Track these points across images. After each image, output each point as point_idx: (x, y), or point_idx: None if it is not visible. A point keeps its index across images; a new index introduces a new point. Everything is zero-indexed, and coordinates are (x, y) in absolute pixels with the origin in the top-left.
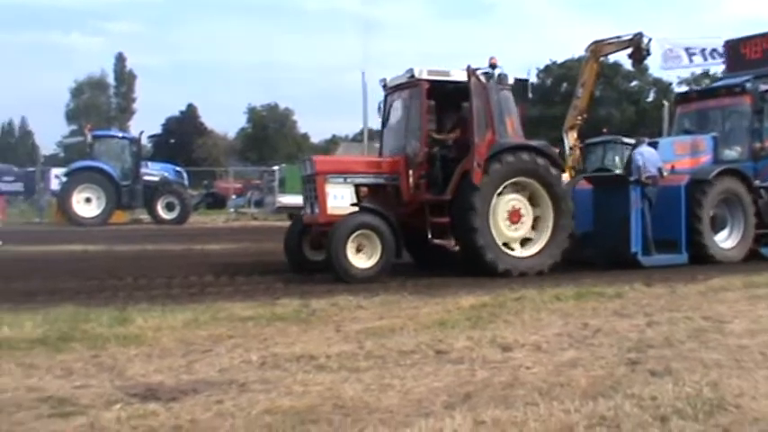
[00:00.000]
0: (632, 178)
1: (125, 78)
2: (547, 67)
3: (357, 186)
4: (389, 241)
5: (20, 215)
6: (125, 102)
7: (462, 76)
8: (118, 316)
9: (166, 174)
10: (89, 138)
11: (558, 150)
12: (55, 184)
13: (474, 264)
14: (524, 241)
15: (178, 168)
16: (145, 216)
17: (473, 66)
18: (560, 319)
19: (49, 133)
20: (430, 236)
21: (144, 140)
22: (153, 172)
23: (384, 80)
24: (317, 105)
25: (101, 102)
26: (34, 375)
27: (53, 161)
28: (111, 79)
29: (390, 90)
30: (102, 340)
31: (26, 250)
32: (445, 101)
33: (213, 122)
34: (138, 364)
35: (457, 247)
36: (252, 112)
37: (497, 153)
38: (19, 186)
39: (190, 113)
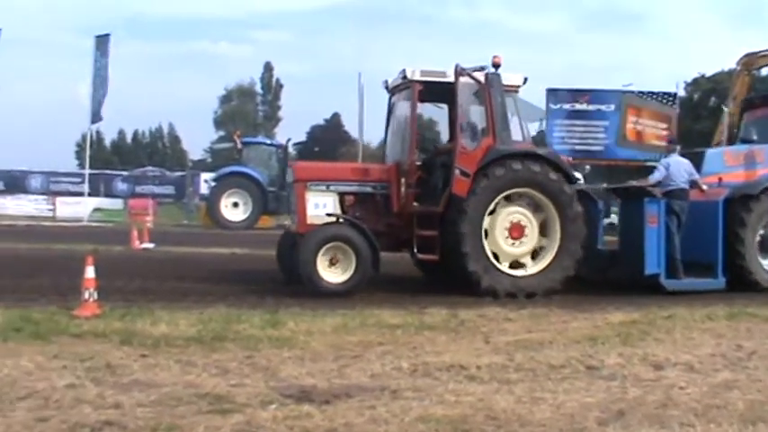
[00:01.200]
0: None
1: (272, 88)
2: (695, 80)
3: (342, 195)
4: (365, 255)
5: (170, 218)
6: (271, 110)
7: (479, 78)
8: (269, 318)
9: None
10: (238, 144)
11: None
12: (204, 189)
13: (462, 283)
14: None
15: None
16: (289, 221)
17: (472, 65)
18: (713, 339)
19: (197, 139)
20: (415, 250)
21: (290, 148)
22: None
23: (386, 81)
24: None
25: (248, 109)
26: (192, 372)
27: (201, 166)
28: (258, 88)
29: (392, 92)
30: (255, 341)
31: (177, 251)
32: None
33: (357, 131)
34: (291, 366)
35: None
36: None
37: (494, 161)
38: (170, 190)
39: (334, 122)
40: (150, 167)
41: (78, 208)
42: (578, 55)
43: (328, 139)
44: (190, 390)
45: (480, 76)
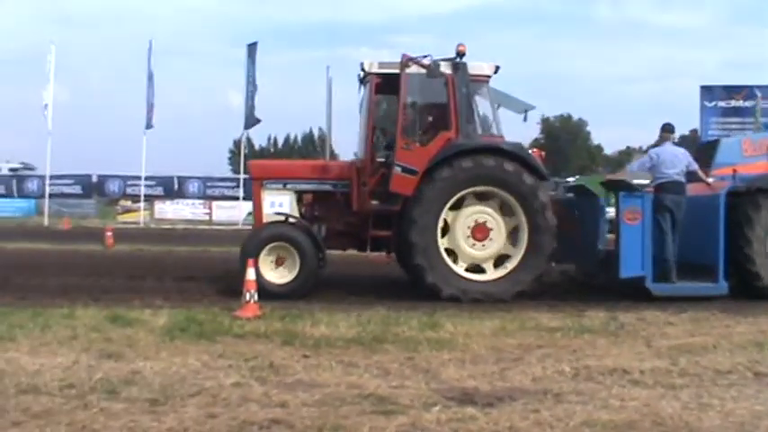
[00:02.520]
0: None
1: None
2: None
3: (300, 193)
4: (309, 255)
5: None
6: None
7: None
8: (428, 321)
9: None
10: None
11: None
12: None
13: (416, 285)
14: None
15: None
16: None
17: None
18: None
19: (346, 141)
20: (369, 249)
21: None
22: None
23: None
24: (610, 115)
25: (392, 111)
26: (353, 373)
27: None
28: None
29: (360, 86)
30: (415, 343)
31: (333, 254)
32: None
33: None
34: (452, 369)
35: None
36: (545, 123)
37: (451, 156)
38: None
39: None
40: None
41: (233, 212)
42: (732, 50)
43: None
44: (353, 390)
45: (455, 66)
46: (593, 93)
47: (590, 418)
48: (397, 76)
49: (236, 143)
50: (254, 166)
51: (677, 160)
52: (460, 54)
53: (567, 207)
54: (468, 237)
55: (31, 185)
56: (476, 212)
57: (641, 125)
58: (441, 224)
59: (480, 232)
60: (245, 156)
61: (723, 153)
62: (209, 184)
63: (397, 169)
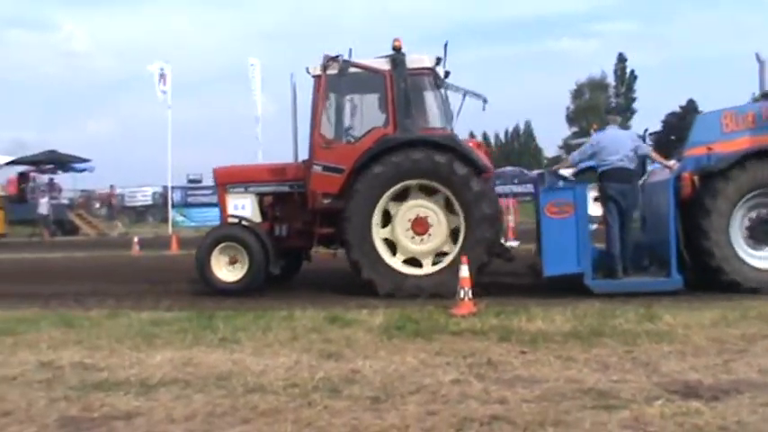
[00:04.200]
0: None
1: (625, 79)
2: None
3: (261, 196)
4: (257, 254)
5: (530, 216)
6: (625, 101)
7: (376, 65)
8: (645, 312)
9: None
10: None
11: None
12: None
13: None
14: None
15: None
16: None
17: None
18: None
19: (551, 136)
20: (314, 246)
21: (647, 139)
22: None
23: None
24: None
25: (600, 102)
26: (572, 367)
27: (555, 162)
28: (611, 80)
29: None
30: (633, 336)
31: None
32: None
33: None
34: (673, 362)
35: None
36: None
37: (383, 152)
38: (529, 188)
39: (690, 108)
40: (509, 167)
41: None
42: None
43: (685, 127)
44: (572, 385)
45: (393, 62)
46: None
47: None
48: (338, 76)
49: None
50: (217, 171)
51: (620, 145)
52: (397, 49)
53: None
54: (408, 230)
55: None
56: (418, 206)
57: None
58: (378, 218)
59: (420, 226)
60: None
61: (699, 129)
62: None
63: (317, 168)
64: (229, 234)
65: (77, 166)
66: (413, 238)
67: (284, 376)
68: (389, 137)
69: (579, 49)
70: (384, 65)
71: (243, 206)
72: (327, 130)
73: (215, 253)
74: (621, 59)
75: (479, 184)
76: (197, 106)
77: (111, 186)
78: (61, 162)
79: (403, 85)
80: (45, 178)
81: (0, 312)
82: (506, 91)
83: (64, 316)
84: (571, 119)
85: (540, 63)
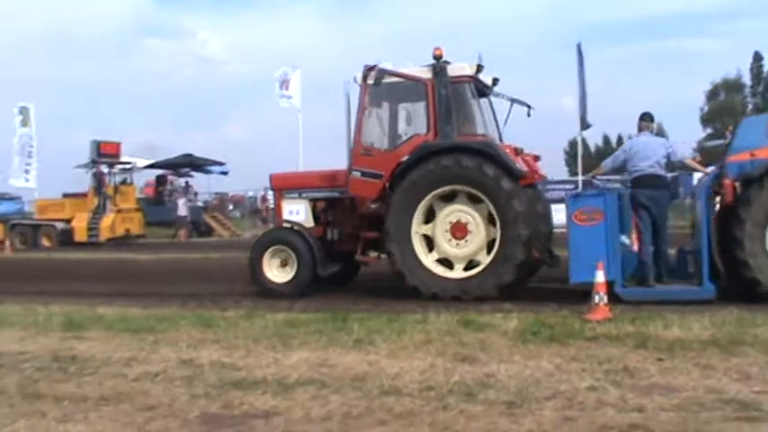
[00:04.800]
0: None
1: (761, 78)
2: None
3: (314, 201)
4: (305, 257)
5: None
6: (762, 101)
7: (419, 73)
8: None
9: None
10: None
11: None
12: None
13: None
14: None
15: None
16: None
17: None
18: None
19: (684, 138)
20: (359, 251)
21: None
22: None
23: None
24: None
25: (736, 103)
26: (711, 376)
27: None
28: (746, 79)
29: None
30: None
31: None
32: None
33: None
34: None
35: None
36: None
37: (420, 158)
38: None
39: None
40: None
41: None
42: None
43: None
44: (712, 395)
45: (434, 70)
46: None
47: None
48: (375, 85)
49: (571, 144)
50: (274, 178)
51: (651, 151)
52: (438, 57)
53: None
54: (447, 231)
55: None
56: (461, 211)
57: None
58: (417, 229)
59: (459, 231)
60: (581, 157)
61: (744, 134)
62: (548, 186)
63: (356, 174)
64: (280, 237)
65: (213, 168)
66: (450, 240)
67: (419, 379)
68: (427, 144)
69: (712, 49)
70: (426, 73)
71: (297, 211)
72: (367, 138)
73: (267, 255)
74: (758, 58)
75: (510, 184)
76: (328, 110)
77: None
78: (197, 165)
79: (444, 92)
80: (182, 181)
81: (140, 311)
82: (636, 92)
83: (201, 315)
84: (705, 120)
85: (671, 63)
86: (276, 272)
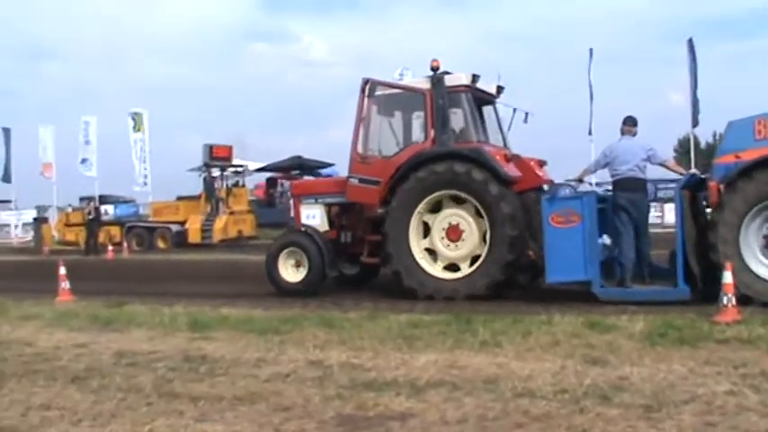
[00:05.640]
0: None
1: None
2: None
3: (329, 206)
4: (315, 258)
5: None
6: None
7: (417, 84)
8: None
9: None
10: None
11: None
12: None
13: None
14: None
15: None
16: None
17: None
18: None
19: None
20: (364, 254)
21: None
22: None
23: None
24: None
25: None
26: None
27: None
28: None
29: None
30: None
31: None
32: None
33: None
34: None
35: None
36: None
37: (417, 164)
38: None
39: None
40: None
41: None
42: None
43: None
44: None
45: (432, 80)
46: None
47: None
48: (369, 97)
49: (681, 142)
50: (294, 185)
51: (631, 155)
52: (435, 69)
53: None
54: (443, 238)
55: None
56: (450, 215)
57: None
58: (415, 229)
59: (454, 233)
60: (694, 155)
61: (731, 136)
62: (660, 185)
63: (354, 181)
64: (293, 240)
65: (322, 170)
66: (448, 245)
67: (551, 381)
68: (423, 151)
69: None
70: (424, 84)
71: (314, 215)
72: (365, 146)
73: (282, 257)
74: None
75: (497, 188)
76: None
77: None
78: (307, 167)
79: (441, 102)
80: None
81: (263, 312)
82: (747, 88)
83: (324, 317)
84: None
85: None
86: (290, 272)
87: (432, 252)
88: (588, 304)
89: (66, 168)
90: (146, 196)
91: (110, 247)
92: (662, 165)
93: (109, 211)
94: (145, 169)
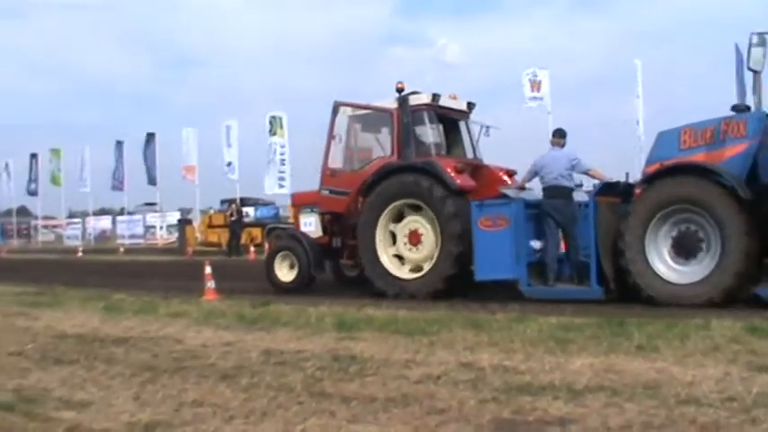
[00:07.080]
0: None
1: None
2: None
3: (322, 215)
4: (303, 260)
5: None
6: None
7: (385, 104)
8: None
9: None
10: None
11: None
12: None
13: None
14: None
15: None
16: None
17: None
18: None
19: None
20: (343, 256)
21: None
22: None
23: None
24: None
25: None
26: None
27: None
28: None
29: None
30: None
31: None
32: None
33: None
34: None
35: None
36: None
37: (382, 176)
38: None
39: None
40: None
41: None
42: None
43: None
44: None
45: (399, 101)
46: None
47: None
48: (333, 116)
49: None
50: (294, 196)
51: (556, 165)
52: (399, 90)
53: None
54: (406, 243)
55: None
56: (411, 222)
57: None
58: (381, 237)
59: (414, 238)
60: None
61: (659, 146)
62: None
63: (325, 192)
64: (286, 245)
65: None
66: (410, 249)
67: (716, 388)
68: (387, 165)
69: None
70: (391, 104)
71: (310, 223)
72: (335, 162)
73: (278, 259)
74: None
75: (442, 192)
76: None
77: None
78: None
79: (406, 120)
80: None
81: (408, 313)
82: None
83: (471, 318)
84: None
85: None
86: (285, 272)
87: (401, 258)
88: (747, 309)
89: (207, 171)
90: (285, 199)
91: (251, 248)
92: (586, 173)
93: (250, 213)
94: (281, 171)
